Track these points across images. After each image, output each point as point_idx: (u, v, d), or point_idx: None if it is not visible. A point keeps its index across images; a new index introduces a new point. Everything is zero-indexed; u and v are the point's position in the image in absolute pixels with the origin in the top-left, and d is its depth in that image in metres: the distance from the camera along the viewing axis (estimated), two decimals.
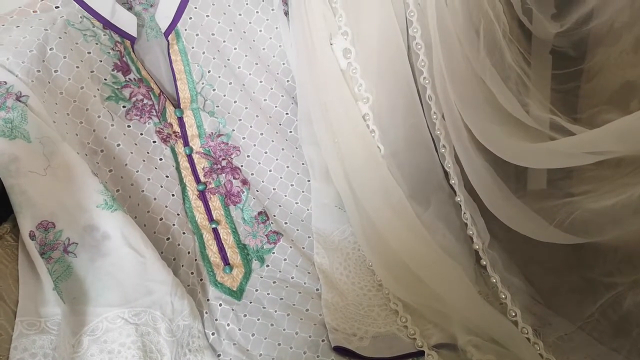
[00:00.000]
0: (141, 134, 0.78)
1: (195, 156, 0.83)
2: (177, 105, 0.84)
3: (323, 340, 0.73)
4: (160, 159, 0.79)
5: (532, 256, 0.83)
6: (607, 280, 0.70)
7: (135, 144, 0.76)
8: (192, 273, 0.76)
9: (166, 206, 0.77)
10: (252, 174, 0.85)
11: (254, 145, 0.86)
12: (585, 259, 0.75)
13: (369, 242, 0.84)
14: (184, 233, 0.77)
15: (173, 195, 0.78)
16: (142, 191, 0.75)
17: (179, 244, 0.76)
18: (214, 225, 0.80)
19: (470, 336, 0.70)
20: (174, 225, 0.77)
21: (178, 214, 0.78)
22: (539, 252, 0.80)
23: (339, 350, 0.71)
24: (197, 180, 0.82)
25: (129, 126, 0.77)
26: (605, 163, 0.63)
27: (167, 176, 0.79)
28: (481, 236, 0.80)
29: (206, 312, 0.74)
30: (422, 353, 0.72)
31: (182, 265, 0.76)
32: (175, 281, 0.70)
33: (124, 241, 0.65)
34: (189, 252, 0.77)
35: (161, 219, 0.76)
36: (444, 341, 0.73)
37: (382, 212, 0.83)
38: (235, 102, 0.85)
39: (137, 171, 0.75)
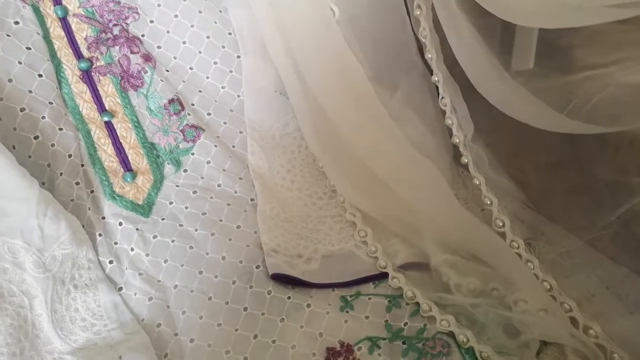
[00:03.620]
0: None
1: (72, 20, 0.59)
2: None
3: (258, 267, 0.56)
4: (17, 23, 0.55)
5: (520, 151, 0.67)
6: (619, 180, 0.55)
7: None
8: (77, 184, 0.56)
9: (30, 91, 0.54)
10: (158, 47, 0.62)
11: (159, 5, 0.62)
12: (589, 153, 0.59)
13: (320, 138, 0.65)
14: (60, 129, 0.56)
15: (41, 76, 0.55)
16: None
17: (53, 145, 0.55)
18: (106, 118, 0.58)
19: (447, 254, 0.55)
20: (43, 118, 0.55)
21: (50, 103, 0.56)
22: (528, 145, 0.64)
23: (278, 278, 0.55)
24: (78, 56, 0.58)
25: None
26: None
27: (28, 48, 0.55)
28: (462, 127, 0.62)
29: (100, 235, 0.55)
30: (385, 275, 0.57)
31: (61, 174, 0.55)
32: (43, 197, 0.50)
33: None
34: (70, 156, 0.56)
35: (22, 110, 0.53)
36: (413, 260, 0.58)
37: (336, 98, 0.64)
38: None
39: None
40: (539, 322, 0.47)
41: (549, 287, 0.52)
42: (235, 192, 0.62)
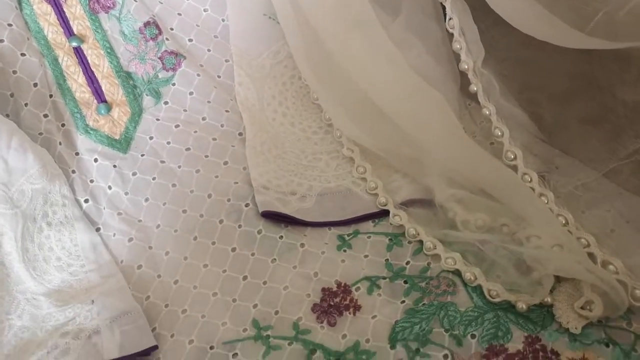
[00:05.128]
0: None
1: None
2: None
3: (247, 205, 0.52)
4: None
5: (532, 82, 0.61)
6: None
7: None
8: (45, 116, 0.51)
9: None
10: None
11: None
12: (609, 76, 0.54)
13: (315, 67, 0.59)
14: (23, 54, 0.50)
15: None
16: None
17: (15, 72, 0.49)
18: (75, 44, 0.52)
19: (453, 189, 0.51)
20: (2, 42, 0.49)
21: (10, 25, 0.50)
22: (541, 75, 0.59)
23: (270, 216, 0.51)
24: None
25: None
26: None
27: None
28: (472, 51, 0.56)
29: (74, 172, 0.51)
30: (385, 213, 0.52)
31: (26, 105, 0.50)
32: (5, 127, 0.45)
33: None
34: (35, 85, 0.50)
35: None
36: (416, 196, 0.53)
37: (332, 22, 0.58)
38: None
39: None
40: (554, 257, 0.43)
41: (564, 222, 0.47)
42: (222, 126, 0.56)
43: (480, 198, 0.50)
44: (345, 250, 0.50)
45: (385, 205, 0.53)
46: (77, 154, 0.51)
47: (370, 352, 0.41)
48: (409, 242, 0.50)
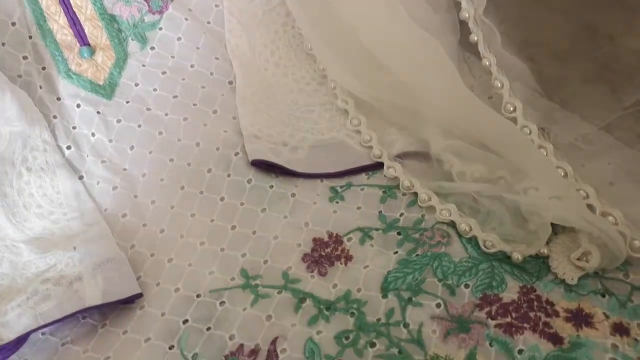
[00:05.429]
0: None
1: None
2: None
3: (237, 154, 0.50)
4: None
5: (533, 38, 0.59)
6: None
7: None
8: (24, 58, 0.48)
9: None
10: None
11: None
12: (613, 26, 0.52)
13: (308, 14, 0.57)
14: None
15: None
16: None
17: None
18: None
19: (450, 140, 0.49)
20: None
21: None
22: (542, 32, 0.57)
23: (260, 165, 0.49)
24: None
25: None
26: None
27: None
28: None
29: (55, 117, 0.48)
30: (379, 166, 0.51)
31: (4, 44, 0.47)
32: None
33: None
34: (14, 24, 0.48)
35: None
36: (411, 149, 0.51)
37: None
38: None
39: None
40: (552, 207, 0.42)
41: (564, 174, 0.46)
42: (211, 74, 0.54)
43: (477, 150, 0.48)
44: (337, 202, 0.48)
45: (379, 158, 0.51)
46: (58, 99, 0.49)
47: (361, 301, 0.40)
48: (403, 194, 0.48)
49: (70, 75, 0.50)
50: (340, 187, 0.50)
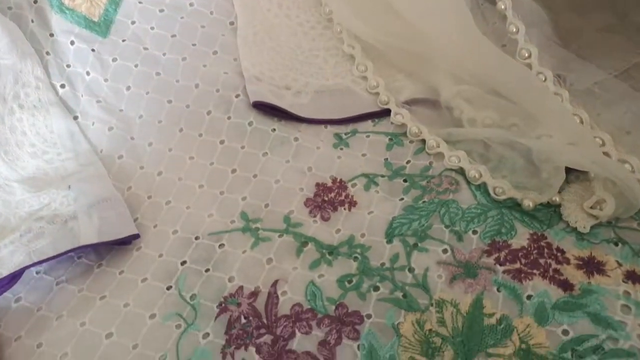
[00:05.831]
0: None
1: None
2: None
3: (238, 96, 0.48)
4: None
5: None
6: None
7: None
8: None
9: None
10: None
11: None
12: None
13: None
14: None
15: None
16: None
17: None
18: None
19: (461, 85, 0.47)
20: None
21: None
22: None
23: (261, 107, 0.47)
24: None
25: None
26: None
27: None
28: None
29: (48, 53, 0.46)
30: (386, 112, 0.49)
31: None
32: None
33: None
34: None
35: None
36: (420, 96, 0.49)
37: None
38: None
39: None
40: (566, 151, 0.40)
41: (579, 121, 0.44)
42: (211, 13, 0.51)
43: (489, 96, 0.46)
44: (342, 148, 0.46)
45: (386, 104, 0.49)
46: (51, 34, 0.47)
47: (365, 246, 0.39)
48: (410, 142, 0.47)
49: (64, 10, 0.47)
50: (345, 133, 0.48)
